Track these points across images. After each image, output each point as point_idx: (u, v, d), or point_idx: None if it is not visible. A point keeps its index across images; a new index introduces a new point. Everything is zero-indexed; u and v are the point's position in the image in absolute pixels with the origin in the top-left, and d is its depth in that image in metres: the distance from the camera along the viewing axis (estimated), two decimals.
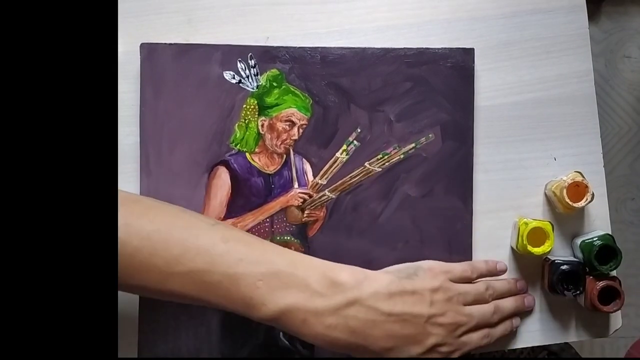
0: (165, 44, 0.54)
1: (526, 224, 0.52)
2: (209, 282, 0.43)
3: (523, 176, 0.56)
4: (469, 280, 0.51)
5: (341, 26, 0.56)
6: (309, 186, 0.55)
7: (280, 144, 0.55)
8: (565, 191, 0.51)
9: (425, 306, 0.46)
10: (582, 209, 0.54)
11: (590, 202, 0.51)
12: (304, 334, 0.45)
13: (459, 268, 0.51)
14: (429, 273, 0.48)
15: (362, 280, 0.45)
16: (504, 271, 0.54)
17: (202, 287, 0.44)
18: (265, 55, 0.54)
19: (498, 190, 0.56)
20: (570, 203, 0.51)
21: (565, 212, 0.54)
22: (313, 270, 0.45)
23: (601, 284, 0.52)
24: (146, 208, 0.46)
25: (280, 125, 0.54)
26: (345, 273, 0.46)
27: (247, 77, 0.54)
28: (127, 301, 0.54)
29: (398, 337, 0.45)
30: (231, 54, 0.54)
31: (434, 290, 0.47)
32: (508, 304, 0.53)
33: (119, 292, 0.53)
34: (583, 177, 0.53)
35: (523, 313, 0.55)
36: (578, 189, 0.52)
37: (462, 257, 0.54)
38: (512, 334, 0.55)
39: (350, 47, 0.55)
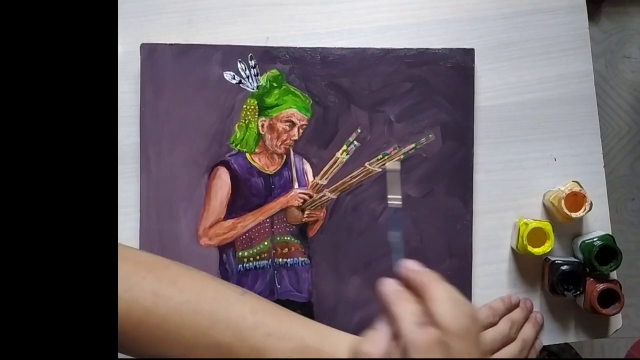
0: (165, 44, 0.54)
1: (526, 224, 0.52)
2: (237, 354, 0.42)
3: (523, 176, 0.56)
4: (492, 325, 0.52)
5: (341, 27, 0.56)
6: (309, 186, 0.55)
7: (281, 145, 0.55)
8: (563, 202, 0.51)
9: None
10: None
11: (588, 211, 0.51)
12: None
13: (482, 316, 0.51)
14: None
15: (390, 353, 0.40)
16: (519, 302, 0.55)
17: (229, 358, 0.42)
18: (266, 56, 0.54)
19: (498, 191, 0.56)
20: (569, 213, 0.51)
21: (564, 222, 0.54)
22: (341, 345, 0.43)
23: (601, 286, 0.52)
24: (175, 276, 0.44)
25: (281, 126, 0.54)
26: (373, 345, 0.39)
27: (247, 77, 0.54)
28: None
29: None
30: (231, 54, 0.54)
31: None
32: (530, 332, 0.53)
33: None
34: (581, 186, 0.53)
35: None
36: (576, 199, 0.52)
37: (462, 257, 0.54)
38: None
39: (350, 48, 0.55)
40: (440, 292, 0.35)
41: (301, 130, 0.55)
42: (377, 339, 0.37)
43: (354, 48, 0.55)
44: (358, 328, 0.41)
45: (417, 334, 0.33)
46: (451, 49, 0.55)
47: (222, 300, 0.44)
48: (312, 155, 0.55)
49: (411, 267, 0.37)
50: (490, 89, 0.56)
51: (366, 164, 0.55)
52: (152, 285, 0.42)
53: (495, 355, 0.49)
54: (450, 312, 0.34)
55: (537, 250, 0.52)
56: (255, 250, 0.54)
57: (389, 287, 0.37)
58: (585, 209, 0.52)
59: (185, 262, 0.53)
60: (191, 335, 0.42)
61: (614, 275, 0.55)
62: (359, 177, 0.55)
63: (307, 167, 0.55)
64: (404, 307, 0.35)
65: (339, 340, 0.43)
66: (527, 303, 0.55)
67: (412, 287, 0.37)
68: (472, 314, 0.35)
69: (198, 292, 0.44)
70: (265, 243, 0.54)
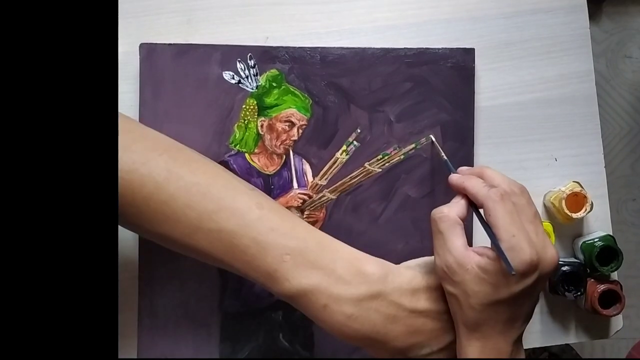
0: (164, 44, 0.54)
1: None
2: (237, 245, 0.43)
3: (524, 177, 0.56)
4: None
5: (341, 26, 0.56)
6: (308, 187, 0.55)
7: (280, 145, 0.54)
8: (564, 202, 0.51)
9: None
10: None
11: (589, 212, 0.51)
12: (322, 320, 0.43)
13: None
14: None
15: (388, 274, 0.45)
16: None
17: (229, 248, 0.43)
18: (265, 56, 0.54)
19: None
20: (569, 214, 0.51)
21: (564, 222, 0.54)
22: (341, 255, 0.44)
23: (602, 287, 0.52)
24: (189, 159, 0.46)
25: (280, 126, 0.54)
26: (373, 265, 0.45)
27: (247, 77, 0.54)
28: (127, 301, 0.54)
29: (419, 333, 0.44)
30: (231, 54, 0.54)
31: None
32: None
33: (120, 293, 0.53)
34: (581, 187, 0.52)
35: None
36: (577, 199, 0.51)
37: None
38: None
39: (350, 47, 0.55)
40: (493, 172, 0.45)
41: (301, 131, 0.54)
42: (453, 204, 0.44)
43: (353, 48, 0.55)
44: None
45: (490, 191, 0.42)
46: (451, 48, 0.55)
47: (231, 189, 0.45)
48: (311, 156, 0.54)
49: (466, 168, 0.48)
50: (490, 89, 0.56)
51: (366, 164, 0.54)
52: (167, 162, 0.43)
53: None
54: (505, 180, 0.44)
55: None
56: None
57: (456, 176, 0.46)
58: (586, 210, 0.51)
59: (185, 261, 0.53)
60: (196, 216, 0.43)
61: (614, 276, 0.55)
62: (358, 177, 0.55)
63: (307, 168, 0.55)
64: (474, 180, 0.44)
65: (340, 251, 0.45)
66: None
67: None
68: (522, 185, 0.44)
69: (209, 177, 0.44)
70: None
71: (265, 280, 0.43)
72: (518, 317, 0.43)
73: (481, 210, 0.43)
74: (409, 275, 0.45)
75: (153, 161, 0.43)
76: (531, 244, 0.41)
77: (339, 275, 0.43)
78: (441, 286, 0.44)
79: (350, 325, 0.43)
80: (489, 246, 0.42)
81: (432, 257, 0.46)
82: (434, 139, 0.54)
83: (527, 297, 0.42)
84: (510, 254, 0.40)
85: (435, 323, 0.44)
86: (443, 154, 0.52)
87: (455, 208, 0.44)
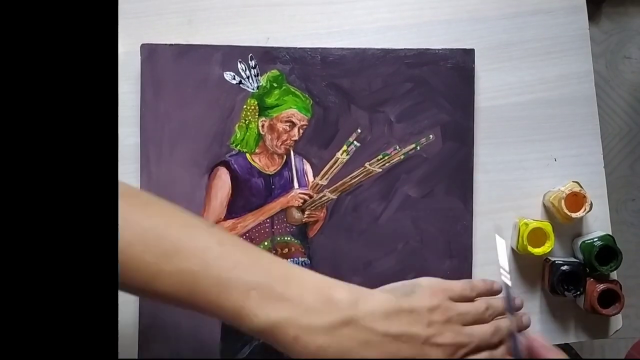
0: (165, 44, 0.54)
1: (526, 224, 0.52)
2: (200, 285, 0.41)
3: (523, 177, 0.56)
4: (468, 300, 0.49)
5: (341, 27, 0.56)
6: (309, 187, 0.55)
7: (281, 145, 0.55)
8: (563, 202, 0.51)
9: (423, 326, 0.43)
10: None
11: (589, 211, 0.51)
12: (295, 352, 0.42)
13: (458, 286, 0.49)
14: (427, 291, 0.46)
15: (359, 299, 0.43)
16: (499, 292, 0.52)
17: (192, 289, 0.41)
18: (266, 56, 0.54)
19: (498, 191, 0.56)
20: (569, 213, 0.51)
21: (564, 222, 0.54)
22: (308, 284, 0.43)
23: (601, 286, 0.52)
24: (144, 203, 0.44)
25: (281, 126, 0.55)
26: (342, 290, 0.43)
27: (248, 77, 0.54)
28: (127, 301, 0.54)
29: (394, 357, 0.42)
30: (231, 54, 0.54)
31: (432, 309, 0.44)
32: (508, 323, 0.51)
33: (120, 293, 0.53)
34: (581, 186, 0.53)
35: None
36: (576, 199, 0.52)
37: (462, 258, 0.54)
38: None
39: (350, 48, 0.55)
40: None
41: (301, 131, 0.55)
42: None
43: (354, 48, 0.55)
44: None
45: None
46: (451, 49, 0.55)
47: (189, 228, 0.43)
48: (312, 156, 0.55)
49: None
50: (490, 90, 0.56)
51: (366, 164, 0.55)
52: (122, 209, 0.41)
53: (468, 329, 0.46)
54: None
55: (537, 251, 0.52)
56: None
57: None
58: (585, 209, 0.52)
59: None
60: (154, 261, 0.41)
61: (614, 275, 0.55)
62: (359, 177, 0.55)
63: (307, 168, 0.55)
64: None
65: (308, 280, 0.43)
66: (517, 300, 0.52)
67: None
68: None
69: (166, 219, 0.43)
70: (266, 243, 0.54)
71: (233, 318, 0.42)
72: None
73: None
74: (381, 298, 0.44)
75: None
76: None
77: (307, 305, 0.42)
78: (417, 309, 0.43)
79: (324, 355, 0.41)
80: None
81: (409, 280, 0.46)
82: (509, 283, 0.50)
83: None
84: None
85: (410, 348, 0.43)
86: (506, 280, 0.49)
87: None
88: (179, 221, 0.44)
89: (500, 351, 0.48)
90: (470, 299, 0.49)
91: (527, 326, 0.51)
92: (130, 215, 0.42)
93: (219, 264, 0.42)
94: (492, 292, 0.51)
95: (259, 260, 0.43)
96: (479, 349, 0.46)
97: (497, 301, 0.50)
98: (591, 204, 0.52)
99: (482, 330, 0.47)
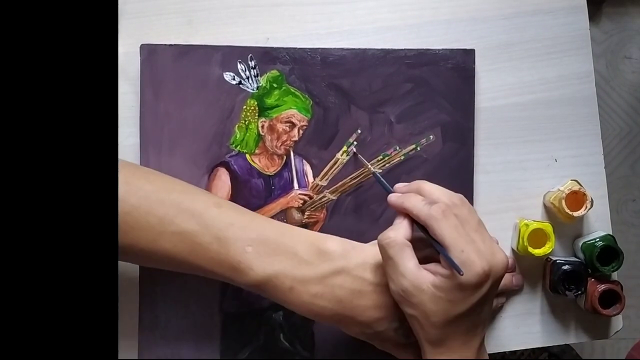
0: (165, 45, 0.54)
1: (527, 225, 0.52)
2: (200, 243, 0.44)
3: (523, 177, 0.56)
4: None
5: (341, 27, 0.56)
6: (309, 187, 0.55)
7: (281, 145, 0.54)
8: (564, 202, 0.51)
9: None
10: None
11: (590, 209, 0.51)
12: (290, 302, 0.45)
13: None
14: None
15: (350, 250, 0.46)
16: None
17: (192, 248, 0.44)
18: (266, 57, 0.54)
19: (498, 192, 0.56)
20: (570, 212, 0.51)
21: (566, 221, 0.54)
22: (301, 238, 0.46)
23: (602, 287, 0.52)
24: (146, 172, 0.48)
25: (281, 127, 0.54)
26: (333, 242, 0.46)
27: (247, 78, 0.54)
28: (128, 301, 0.54)
29: (386, 307, 0.45)
30: (231, 55, 0.54)
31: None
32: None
33: (120, 293, 0.53)
34: (580, 185, 0.53)
35: (523, 313, 0.55)
36: (577, 197, 0.51)
37: None
38: (512, 320, 0.55)
39: (350, 48, 0.55)
40: (431, 186, 0.45)
41: (301, 131, 0.54)
42: (398, 227, 0.44)
43: (354, 49, 0.55)
44: None
45: (431, 209, 0.42)
46: (452, 49, 0.55)
47: (189, 192, 0.47)
48: (312, 156, 0.55)
49: (402, 185, 0.48)
50: (490, 90, 0.56)
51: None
52: (125, 176, 0.45)
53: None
54: (444, 193, 0.44)
55: (538, 252, 0.52)
56: None
57: (394, 196, 0.46)
58: (586, 207, 0.51)
59: None
60: (157, 222, 0.44)
61: (615, 276, 0.55)
62: (359, 178, 0.55)
63: (307, 168, 0.55)
64: (413, 199, 0.44)
65: (300, 235, 0.47)
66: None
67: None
68: (461, 195, 0.44)
69: (167, 185, 0.47)
70: None
71: (231, 273, 0.45)
72: (478, 325, 0.43)
73: None
74: (373, 250, 0.46)
75: None
76: (480, 254, 0.41)
77: (300, 258, 0.45)
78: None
79: (317, 303, 0.44)
80: (439, 261, 0.42)
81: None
82: (355, 150, 0.53)
83: (483, 304, 0.43)
84: (462, 269, 0.41)
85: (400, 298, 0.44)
86: (371, 167, 0.51)
87: (400, 230, 0.43)
88: (179, 187, 0.48)
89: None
90: None
91: (519, 285, 0.55)
92: (134, 182, 0.45)
93: (216, 224, 0.45)
94: None
95: (253, 219, 0.47)
96: None
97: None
98: (592, 202, 0.51)
99: None
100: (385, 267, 0.43)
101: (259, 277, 0.44)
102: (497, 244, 0.44)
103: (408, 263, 0.42)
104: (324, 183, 0.55)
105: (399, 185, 0.48)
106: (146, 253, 0.45)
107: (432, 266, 0.42)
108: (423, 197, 0.44)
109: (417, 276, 0.42)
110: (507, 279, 0.54)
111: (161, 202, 0.45)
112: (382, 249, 0.43)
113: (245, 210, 0.48)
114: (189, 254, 0.45)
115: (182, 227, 0.44)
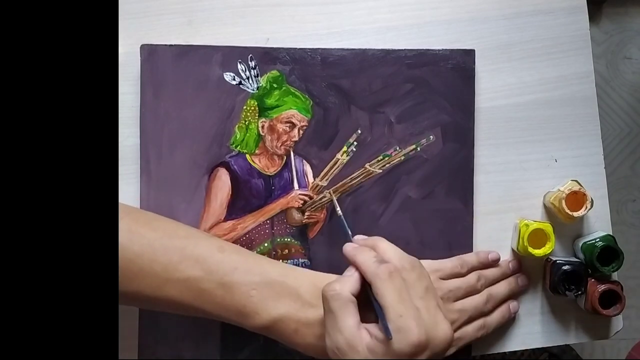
0: (165, 45, 0.54)
1: (527, 225, 0.52)
2: (205, 289, 0.45)
3: (524, 178, 0.56)
4: (460, 276, 0.51)
5: (341, 27, 0.56)
6: (309, 188, 0.55)
7: (281, 146, 0.54)
8: (564, 202, 0.51)
9: None
10: None
11: (590, 209, 0.51)
12: (296, 344, 0.45)
13: (449, 265, 0.51)
14: None
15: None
16: (497, 260, 0.54)
17: (197, 294, 0.45)
18: (266, 57, 0.54)
19: (499, 192, 0.56)
20: (570, 213, 0.51)
21: (567, 222, 0.54)
22: (304, 279, 0.46)
23: (602, 287, 0.52)
24: (149, 218, 0.48)
25: (281, 127, 0.54)
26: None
27: (248, 78, 0.54)
28: None
29: None
30: (231, 55, 0.54)
31: None
32: (500, 288, 0.53)
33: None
34: (580, 185, 0.53)
35: (523, 313, 0.55)
36: (577, 197, 0.51)
37: None
38: (512, 321, 0.55)
39: (350, 49, 0.55)
40: (387, 245, 0.44)
41: (301, 132, 0.54)
42: (346, 280, 0.43)
43: (354, 49, 0.55)
44: None
45: (379, 267, 0.41)
46: (452, 50, 0.55)
47: (191, 238, 0.47)
48: (312, 157, 0.55)
49: (361, 237, 0.47)
50: (490, 90, 0.56)
51: (366, 165, 0.55)
52: (128, 224, 0.45)
53: (458, 305, 0.49)
54: (397, 254, 0.43)
55: (538, 252, 0.52)
56: (255, 252, 0.54)
57: (349, 247, 0.45)
58: (586, 207, 0.51)
59: None
60: (162, 270, 0.45)
61: (615, 276, 0.55)
62: (359, 178, 0.55)
63: (307, 168, 0.55)
64: (365, 254, 0.43)
65: (302, 276, 0.47)
66: (511, 264, 0.54)
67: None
68: (414, 259, 0.44)
69: (170, 231, 0.47)
70: (266, 244, 0.54)
71: (237, 318, 0.45)
72: None
73: None
74: None
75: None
76: (420, 323, 0.40)
77: (304, 300, 0.45)
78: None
79: (322, 345, 0.43)
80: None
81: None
82: (332, 194, 0.53)
83: None
84: (397, 335, 0.39)
85: None
86: (339, 210, 0.50)
87: (347, 284, 0.42)
88: (182, 232, 0.48)
89: (494, 316, 0.52)
90: (462, 275, 0.52)
91: (525, 285, 0.55)
92: (136, 229, 0.46)
93: (221, 269, 0.45)
94: (487, 264, 0.54)
95: (256, 263, 0.47)
96: (472, 319, 0.50)
97: (489, 271, 0.54)
98: (592, 201, 0.51)
99: (474, 301, 0.51)
100: (325, 319, 0.42)
101: (264, 320, 0.45)
102: (445, 315, 0.43)
103: (348, 320, 0.40)
104: (324, 183, 0.55)
105: (358, 237, 0.47)
106: (152, 300, 0.46)
107: (372, 327, 0.41)
108: (376, 254, 0.43)
109: (354, 335, 0.40)
110: (512, 282, 0.54)
111: (165, 248, 0.45)
112: (325, 300, 0.42)
113: (248, 253, 0.48)
114: (195, 300, 0.45)
115: (187, 274, 0.45)
